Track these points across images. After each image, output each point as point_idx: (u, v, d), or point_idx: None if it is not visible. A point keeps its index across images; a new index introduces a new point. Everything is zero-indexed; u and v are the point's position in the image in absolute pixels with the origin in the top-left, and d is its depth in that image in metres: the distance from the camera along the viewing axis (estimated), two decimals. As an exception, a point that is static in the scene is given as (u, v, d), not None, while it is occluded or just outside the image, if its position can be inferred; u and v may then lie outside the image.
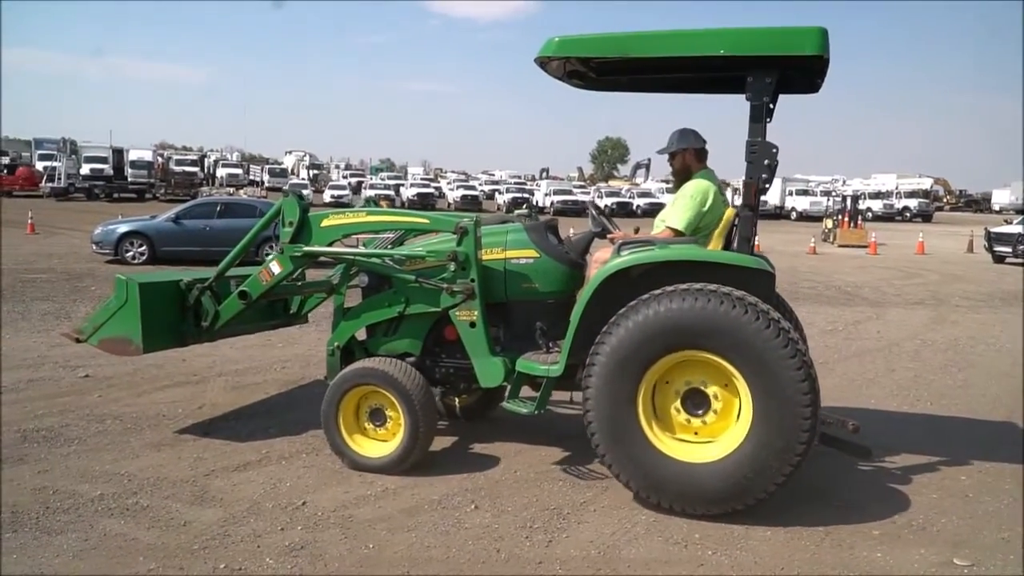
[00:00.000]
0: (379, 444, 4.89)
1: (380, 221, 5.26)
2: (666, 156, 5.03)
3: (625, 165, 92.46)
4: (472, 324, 4.88)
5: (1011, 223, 27.48)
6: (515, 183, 58.50)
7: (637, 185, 62.06)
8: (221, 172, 51.58)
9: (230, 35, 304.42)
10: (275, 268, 5.18)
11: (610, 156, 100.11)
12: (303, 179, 54.09)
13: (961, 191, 71.42)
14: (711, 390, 4.32)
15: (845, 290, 15.74)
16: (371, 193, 39.01)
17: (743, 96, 4.48)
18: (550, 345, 4.81)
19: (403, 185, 51.12)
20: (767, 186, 4.49)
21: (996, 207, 60.88)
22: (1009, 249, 23.76)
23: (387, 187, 46.31)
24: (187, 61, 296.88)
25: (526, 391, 4.89)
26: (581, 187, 58.03)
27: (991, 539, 4.05)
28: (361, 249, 5.59)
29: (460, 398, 5.67)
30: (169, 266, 15.03)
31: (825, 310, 12.70)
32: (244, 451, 5.16)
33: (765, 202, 48.70)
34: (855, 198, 34.53)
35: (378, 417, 4.89)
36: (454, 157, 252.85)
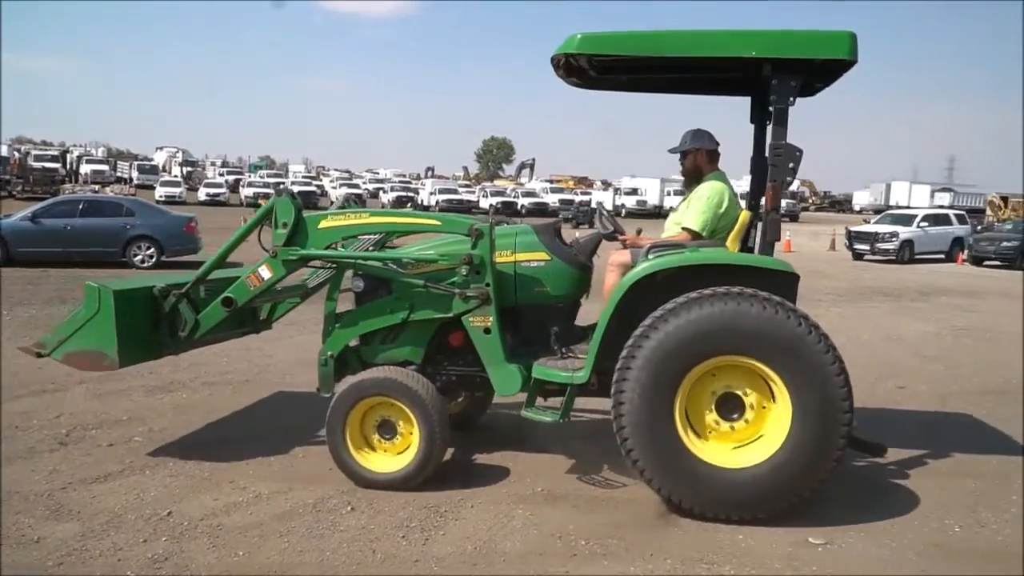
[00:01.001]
0: (388, 458, 4.63)
1: (384, 223, 5.03)
2: (677, 155, 5.02)
3: (510, 165, 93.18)
4: (487, 330, 4.70)
5: (869, 223, 29.42)
6: (400, 182, 58.09)
7: (522, 185, 62.84)
8: (85, 168, 48.78)
9: (102, 25, 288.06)
10: (265, 273, 4.84)
11: (495, 156, 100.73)
12: (175, 176, 51.79)
13: (825, 192, 75.75)
14: (745, 394, 4.27)
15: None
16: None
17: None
18: (563, 350, 4.73)
19: (283, 183, 49.79)
20: (790, 188, 4.53)
21: (857, 207, 64.86)
22: (867, 247, 25.39)
23: (267, 185, 44.88)
24: (54, 52, 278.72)
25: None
26: (466, 186, 58.13)
27: (843, 519, 4.29)
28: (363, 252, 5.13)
29: (450, 407, 5.32)
30: (34, 269, 14.11)
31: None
32: (105, 461, 4.90)
33: (645, 202, 50.43)
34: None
35: (388, 430, 4.64)
36: (337, 155, 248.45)
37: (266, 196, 36.34)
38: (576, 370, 4.49)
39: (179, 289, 4.89)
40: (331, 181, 55.58)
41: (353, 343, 5.07)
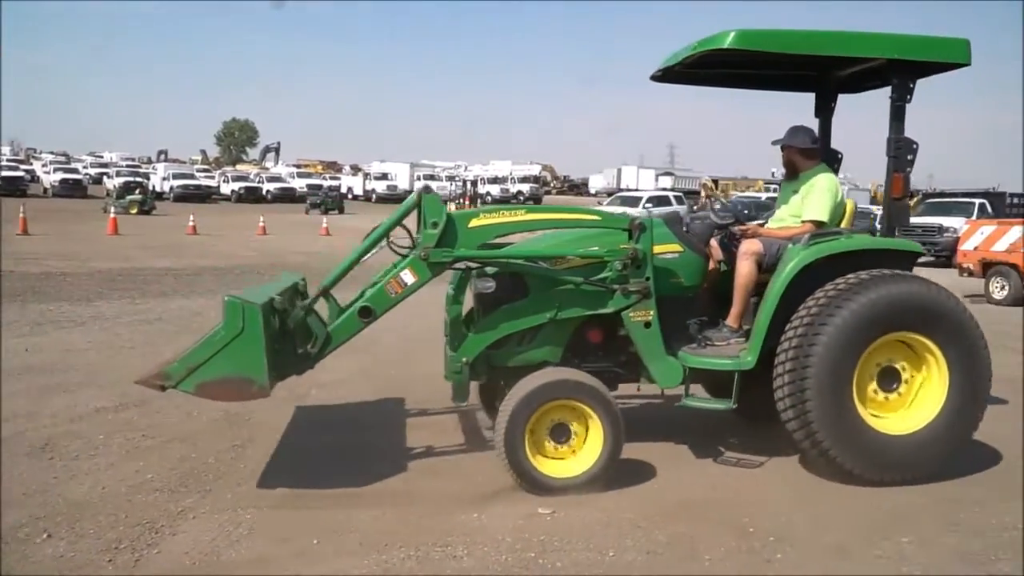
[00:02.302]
0: (562, 463, 4.40)
1: (539, 219, 4.74)
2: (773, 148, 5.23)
3: (254, 149, 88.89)
4: (647, 324, 4.63)
5: (603, 204, 31.57)
6: (128, 166, 53.08)
7: (266, 169, 60.17)
8: None
9: None
10: (408, 278, 4.44)
11: (238, 139, 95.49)
12: None
13: (565, 176, 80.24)
14: (903, 368, 4.61)
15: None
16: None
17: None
18: (703, 339, 4.76)
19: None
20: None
21: (593, 190, 69.40)
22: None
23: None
24: None
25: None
26: (205, 171, 54.63)
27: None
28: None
29: None
30: None
31: (444, 286, 13.32)
32: None
33: (395, 186, 50.32)
34: (474, 183, 37.06)
35: (562, 433, 4.38)
36: (52, 137, 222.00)
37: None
38: (739, 356, 4.56)
39: (304, 300, 4.49)
40: (43, 165, 49.51)
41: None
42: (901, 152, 4.86)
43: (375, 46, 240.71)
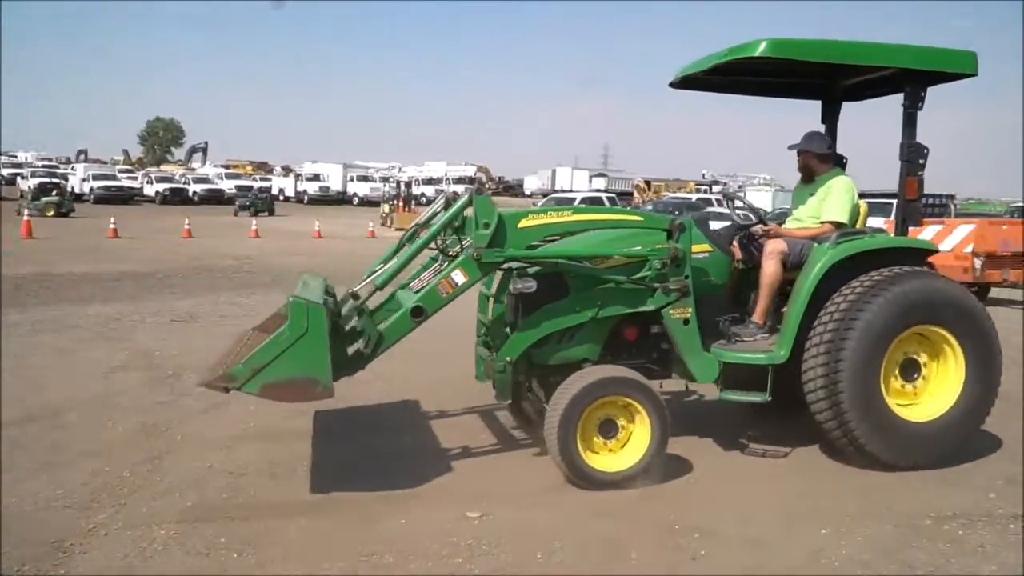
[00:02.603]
0: (611, 458, 4.49)
1: (586, 220, 4.86)
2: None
3: (180, 149, 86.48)
4: (686, 321, 4.79)
5: (537, 205, 31.68)
6: (44, 166, 51.05)
7: (193, 170, 58.59)
8: None
9: None
10: (459, 278, 4.44)
11: (162, 139, 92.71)
12: None
13: (500, 177, 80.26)
14: (923, 361, 4.89)
15: (398, 270, 16.55)
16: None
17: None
18: (733, 335, 4.93)
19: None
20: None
21: (528, 191, 69.60)
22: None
23: None
24: None
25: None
26: (128, 171, 52.90)
27: (501, 491, 4.45)
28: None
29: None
30: None
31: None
32: None
33: (328, 187, 49.61)
34: (408, 184, 36.79)
35: (610, 429, 4.48)
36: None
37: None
38: (771, 350, 4.76)
39: (357, 300, 4.55)
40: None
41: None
42: (913, 156, 5.18)
43: (309, 45, 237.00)
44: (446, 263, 4.67)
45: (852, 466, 4.80)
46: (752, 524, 4.02)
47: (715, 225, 5.45)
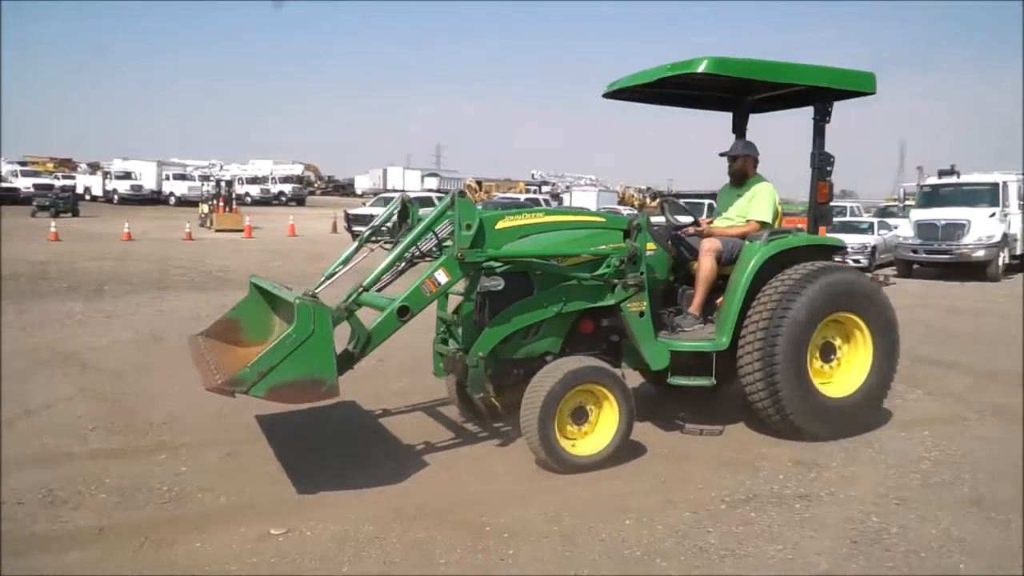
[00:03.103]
0: (583, 442, 4.84)
1: (558, 221, 5.14)
2: (727, 157, 5.97)
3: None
4: (641, 314, 5.16)
5: (367, 204, 31.17)
6: None
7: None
8: None
9: None
10: (442, 277, 4.62)
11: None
12: None
13: (330, 177, 78.56)
14: (838, 344, 5.56)
15: (216, 275, 15.78)
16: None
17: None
18: (674, 325, 5.43)
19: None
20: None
21: (359, 191, 68.51)
22: (364, 228, 26.85)
23: None
24: None
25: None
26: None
27: (307, 504, 4.29)
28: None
29: (500, 398, 5.36)
30: None
31: (194, 296, 12.50)
32: None
33: (141, 186, 46.39)
34: (229, 183, 35.14)
35: (580, 416, 4.83)
36: None
37: None
38: (713, 339, 5.27)
39: (345, 302, 4.54)
40: None
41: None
42: (823, 164, 5.83)
43: (125, 37, 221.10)
44: (403, 264, 4.79)
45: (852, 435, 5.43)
46: (559, 521, 4.07)
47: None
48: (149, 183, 46.85)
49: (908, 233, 18.32)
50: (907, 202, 25.82)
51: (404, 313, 4.58)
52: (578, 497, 4.38)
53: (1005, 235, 17.63)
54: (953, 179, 19.18)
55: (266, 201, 53.06)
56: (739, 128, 6.57)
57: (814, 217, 5.96)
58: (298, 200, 54.98)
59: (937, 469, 4.88)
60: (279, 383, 4.10)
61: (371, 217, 26.95)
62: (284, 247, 23.75)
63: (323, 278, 5.20)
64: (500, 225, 4.82)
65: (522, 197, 38.02)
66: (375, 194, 45.73)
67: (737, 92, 6.26)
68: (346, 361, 4.54)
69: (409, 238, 4.77)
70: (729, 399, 6.23)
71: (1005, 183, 18.29)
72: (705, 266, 5.45)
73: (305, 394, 4.25)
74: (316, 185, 70.83)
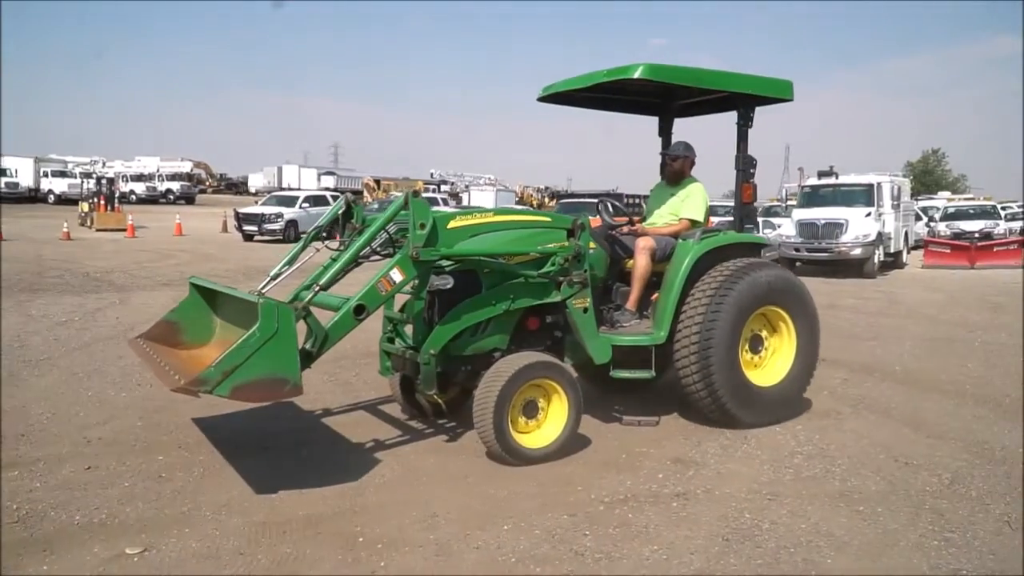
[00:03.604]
0: (534, 435, 4.96)
1: (506, 221, 5.19)
2: (667, 156, 6.25)
3: None
4: (585, 310, 5.32)
5: (259, 203, 30.25)
6: None
7: None
8: None
9: None
10: (396, 276, 4.67)
11: None
12: None
13: (222, 175, 75.98)
14: (764, 336, 5.86)
15: (94, 276, 14.99)
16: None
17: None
18: (611, 320, 5.65)
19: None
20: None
21: (253, 189, 66.56)
22: (255, 228, 26.07)
23: None
24: None
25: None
26: None
27: (168, 518, 4.04)
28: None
29: (443, 395, 5.35)
30: None
31: (67, 300, 11.81)
32: None
33: (17, 184, 43.68)
34: (111, 180, 33.51)
35: (531, 410, 4.95)
36: None
37: None
38: (652, 333, 5.48)
39: (301, 301, 4.49)
40: None
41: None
42: (746, 166, 6.10)
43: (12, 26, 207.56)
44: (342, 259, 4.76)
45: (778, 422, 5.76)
46: (435, 528, 3.96)
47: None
48: (26, 180, 44.16)
49: (791, 232, 19.07)
50: (789, 202, 26.97)
51: (360, 311, 4.59)
52: (456, 503, 4.28)
53: (880, 234, 18.58)
54: (832, 180, 20.12)
55: (153, 199, 50.97)
56: (665, 132, 6.84)
57: (740, 216, 6.27)
58: (187, 199, 53.09)
59: (809, 463, 5.02)
60: (243, 382, 4.07)
61: (262, 216, 26.25)
62: (169, 247, 22.79)
63: (268, 278, 5.22)
64: (452, 225, 4.90)
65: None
66: (269, 192, 44.53)
67: (664, 97, 6.48)
68: (305, 359, 4.46)
69: (363, 237, 4.79)
70: (652, 391, 6.28)
71: (879, 184, 19.33)
72: (640, 263, 5.65)
73: (269, 392, 4.25)
74: (207, 183, 68.41)
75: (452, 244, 4.88)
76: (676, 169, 6.20)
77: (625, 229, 6.12)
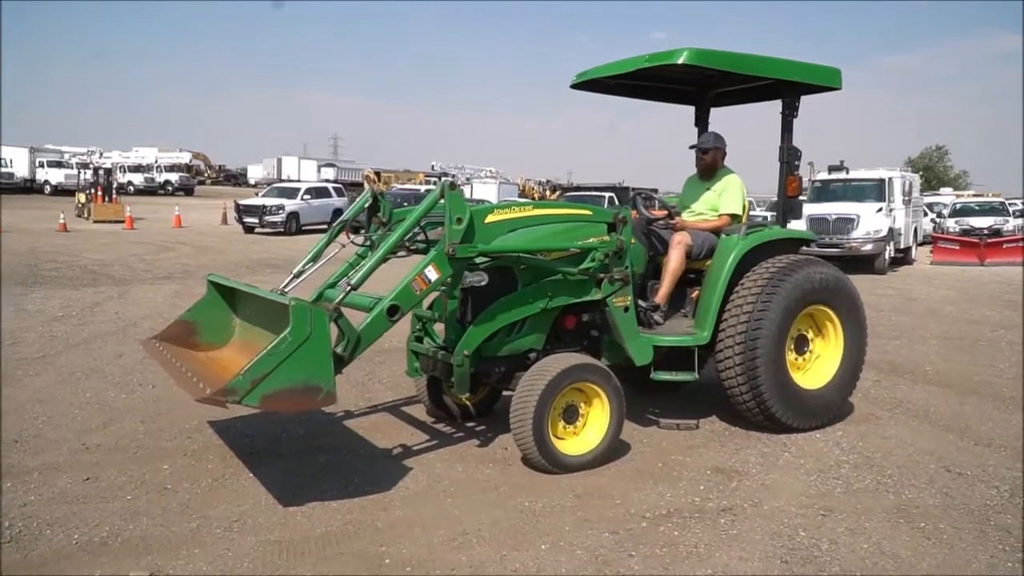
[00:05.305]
0: (573, 442, 4.68)
1: (545, 215, 4.95)
2: (697, 149, 5.83)
3: None
4: (626, 308, 5.04)
5: (259, 195, 29.87)
6: None
7: None
8: None
9: None
10: (432, 274, 4.36)
11: None
12: None
13: (221, 166, 75.51)
14: (811, 336, 5.59)
15: (91, 269, 14.64)
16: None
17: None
18: (649, 319, 5.33)
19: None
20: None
21: (252, 181, 66.08)
22: (256, 220, 25.69)
23: None
24: None
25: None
26: None
27: (176, 538, 3.73)
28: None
29: (473, 397, 5.27)
30: None
31: (64, 293, 11.45)
32: None
33: (12, 174, 43.20)
34: (108, 171, 33.08)
35: (571, 415, 4.68)
36: None
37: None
38: (694, 333, 5.24)
39: (332, 303, 4.19)
40: None
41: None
42: (791, 158, 5.81)
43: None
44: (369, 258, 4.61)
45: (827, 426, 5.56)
46: (467, 548, 3.65)
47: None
48: (21, 170, 43.67)
49: (802, 227, 18.76)
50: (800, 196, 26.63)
51: (394, 312, 4.32)
52: (488, 518, 3.97)
53: (891, 229, 18.27)
54: (842, 175, 19.79)
55: (151, 191, 50.50)
56: (701, 121, 6.51)
57: (784, 210, 5.99)
58: (186, 190, 52.64)
59: (858, 474, 4.71)
60: (274, 391, 3.76)
61: (263, 208, 25.86)
62: (168, 239, 22.40)
63: (291, 275, 4.95)
64: (490, 219, 4.64)
65: (422, 188, 37.26)
66: (268, 183, 44.10)
67: (702, 85, 6.20)
68: (336, 364, 4.14)
69: (397, 233, 4.48)
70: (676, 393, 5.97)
71: (890, 179, 19.00)
72: (674, 260, 5.40)
73: (301, 401, 3.92)
74: (206, 174, 67.95)
75: (490, 239, 4.62)
76: (708, 162, 5.88)
77: (670, 222, 5.74)
